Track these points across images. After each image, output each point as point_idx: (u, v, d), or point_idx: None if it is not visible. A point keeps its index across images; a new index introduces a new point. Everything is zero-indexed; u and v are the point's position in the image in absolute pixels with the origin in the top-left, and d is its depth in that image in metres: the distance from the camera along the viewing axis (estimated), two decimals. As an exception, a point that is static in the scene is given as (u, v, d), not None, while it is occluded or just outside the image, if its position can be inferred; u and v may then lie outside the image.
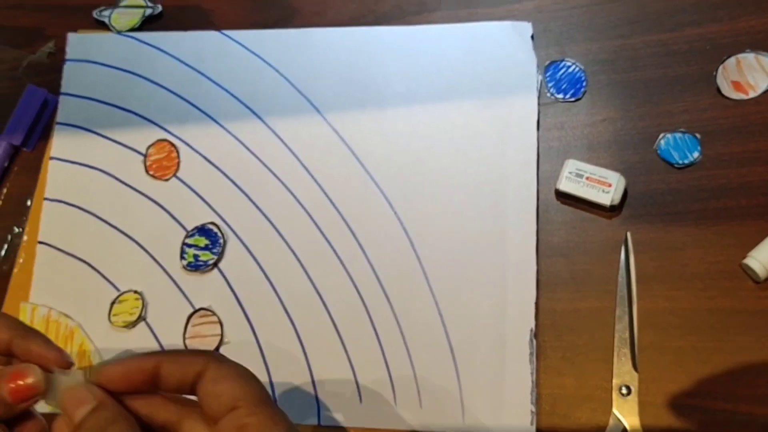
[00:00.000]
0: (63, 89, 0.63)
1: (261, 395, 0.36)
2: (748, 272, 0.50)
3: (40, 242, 0.59)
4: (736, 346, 0.50)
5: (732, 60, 0.55)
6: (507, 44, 0.59)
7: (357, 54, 0.61)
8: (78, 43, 0.64)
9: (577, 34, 0.58)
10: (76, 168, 0.61)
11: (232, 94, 0.61)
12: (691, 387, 0.49)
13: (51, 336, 0.55)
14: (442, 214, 0.56)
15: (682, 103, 0.55)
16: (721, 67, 0.55)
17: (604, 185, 0.53)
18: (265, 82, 0.61)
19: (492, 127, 0.57)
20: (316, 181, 0.58)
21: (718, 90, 0.55)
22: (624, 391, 0.50)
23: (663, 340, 0.50)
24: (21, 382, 0.36)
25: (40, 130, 0.63)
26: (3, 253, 0.59)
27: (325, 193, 0.58)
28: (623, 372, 0.50)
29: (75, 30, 0.65)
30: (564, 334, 0.52)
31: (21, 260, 0.59)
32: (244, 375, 0.37)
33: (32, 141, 0.62)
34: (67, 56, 0.64)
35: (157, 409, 0.37)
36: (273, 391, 0.53)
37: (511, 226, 0.54)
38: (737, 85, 0.55)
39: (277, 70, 0.62)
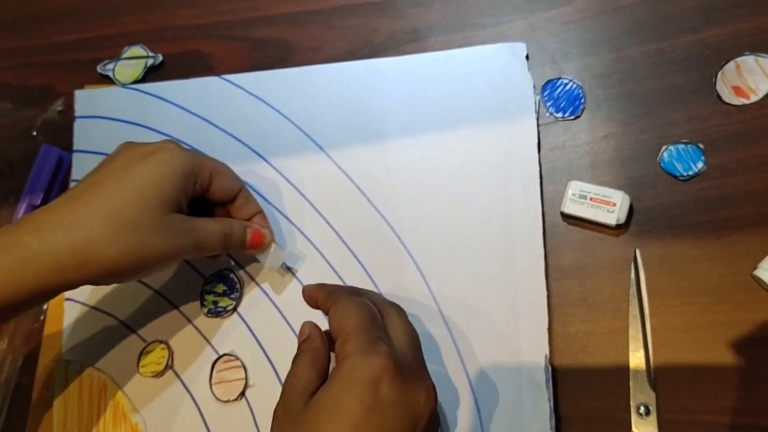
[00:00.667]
0: (75, 146, 0.65)
1: (354, 325, 0.44)
2: (760, 283, 0.50)
3: (67, 299, 0.61)
4: (753, 359, 0.49)
5: (731, 64, 0.54)
6: (503, 67, 0.59)
7: (356, 88, 0.61)
8: (86, 99, 0.66)
9: (572, 50, 0.58)
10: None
11: (237, 139, 0.62)
12: (710, 403, 0.49)
13: (85, 391, 0.59)
14: (450, 243, 0.56)
15: (683, 113, 0.55)
16: (720, 73, 0.54)
17: (608, 205, 0.53)
18: (268, 124, 0.62)
19: (494, 151, 0.57)
20: (324, 218, 0.59)
21: (719, 96, 0.54)
22: (642, 411, 0.50)
23: (679, 357, 0.50)
24: (260, 237, 0.54)
25: (57, 188, 0.64)
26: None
27: (334, 230, 0.59)
28: (641, 392, 0.50)
29: (82, 85, 0.66)
30: (579, 356, 0.52)
31: (50, 317, 0.61)
32: (349, 309, 0.45)
33: (51, 199, 0.64)
34: (77, 113, 0.66)
35: None
36: None
37: (519, 250, 0.55)
38: (738, 90, 0.54)
39: (278, 111, 0.62)
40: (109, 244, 0.46)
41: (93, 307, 0.61)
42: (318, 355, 0.47)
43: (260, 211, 0.56)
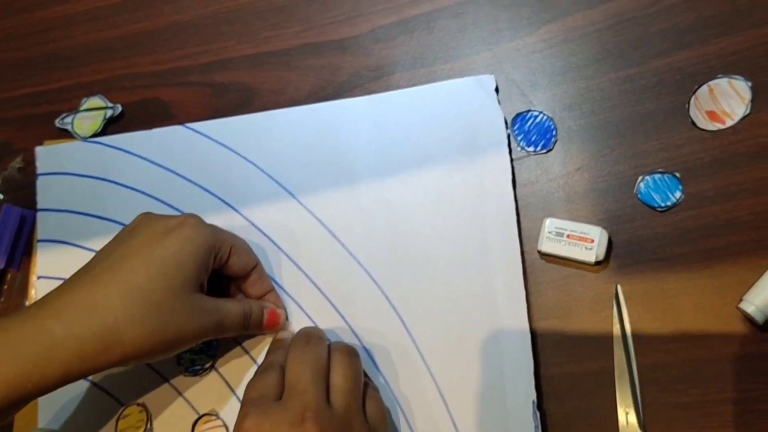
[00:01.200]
0: (40, 205, 0.63)
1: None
2: (746, 316, 0.49)
3: (40, 365, 0.59)
4: (743, 395, 0.48)
5: (704, 89, 0.53)
6: (472, 101, 0.57)
7: (323, 130, 0.60)
8: (47, 156, 0.64)
9: (540, 80, 0.56)
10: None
11: (204, 188, 0.61)
12: (702, 442, 0.48)
13: (63, 460, 0.57)
14: (429, 286, 0.55)
15: (657, 141, 0.53)
16: (693, 98, 0.53)
17: (586, 242, 0.51)
18: (235, 172, 0.60)
19: (467, 188, 0.56)
20: (297, 265, 0.57)
21: (693, 123, 0.53)
22: (634, 452, 0.49)
23: (667, 395, 0.49)
24: (276, 317, 0.54)
25: (21, 248, 0.63)
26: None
27: (309, 278, 0.57)
28: (631, 432, 0.49)
29: (41, 141, 0.64)
30: (566, 399, 0.51)
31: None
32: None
33: (16, 261, 0.62)
34: (39, 171, 0.63)
35: None
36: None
37: (500, 292, 0.53)
38: (713, 115, 0.52)
39: (245, 158, 0.60)
40: (134, 327, 0.46)
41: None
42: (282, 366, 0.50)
43: (272, 289, 0.56)
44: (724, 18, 0.54)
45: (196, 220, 0.50)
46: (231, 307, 0.51)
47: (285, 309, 0.56)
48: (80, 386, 0.58)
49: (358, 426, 0.45)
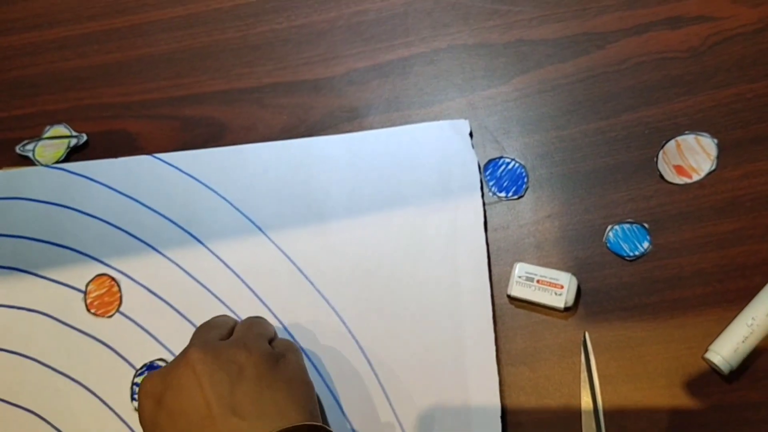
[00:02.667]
0: (-7, 231, 0.61)
1: None
2: (712, 366, 0.49)
3: (-14, 399, 0.57)
4: (708, 445, 0.49)
5: (672, 143, 0.54)
6: (446, 144, 0.58)
7: (295, 167, 0.59)
8: (4, 180, 0.62)
9: (513, 129, 0.57)
10: (14, 312, 0.59)
11: (170, 220, 0.59)
12: (667, 492, 0.48)
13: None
14: (398, 330, 0.54)
15: (626, 192, 0.54)
16: (661, 153, 0.54)
17: (556, 287, 0.52)
18: (202, 204, 0.59)
19: (439, 231, 0.56)
20: (264, 303, 0.56)
21: (661, 176, 0.54)
22: (600, 503, 0.48)
23: (634, 445, 0.49)
24: None
25: (-27, 275, 0.60)
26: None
27: (275, 316, 0.56)
28: (597, 482, 0.49)
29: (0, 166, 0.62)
30: (533, 447, 0.50)
31: (-36, 421, 0.56)
32: None
33: (-33, 289, 0.60)
34: (-6, 195, 0.62)
35: None
36: None
37: (469, 336, 0.53)
38: (680, 170, 0.54)
39: (214, 191, 0.60)
40: None
41: (10, 403, 0.56)
42: None
43: None
44: (691, 78, 0.56)
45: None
46: None
47: None
48: (22, 418, 0.56)
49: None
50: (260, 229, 0.58)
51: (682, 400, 0.49)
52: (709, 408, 0.49)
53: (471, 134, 0.57)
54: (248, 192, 0.59)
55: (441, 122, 0.58)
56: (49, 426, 0.55)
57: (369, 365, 0.54)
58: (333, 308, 0.56)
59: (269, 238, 0.58)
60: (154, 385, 0.46)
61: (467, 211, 0.56)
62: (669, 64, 0.56)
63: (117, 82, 0.63)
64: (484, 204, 0.55)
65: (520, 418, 0.51)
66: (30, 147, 0.62)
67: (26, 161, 0.62)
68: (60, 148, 0.62)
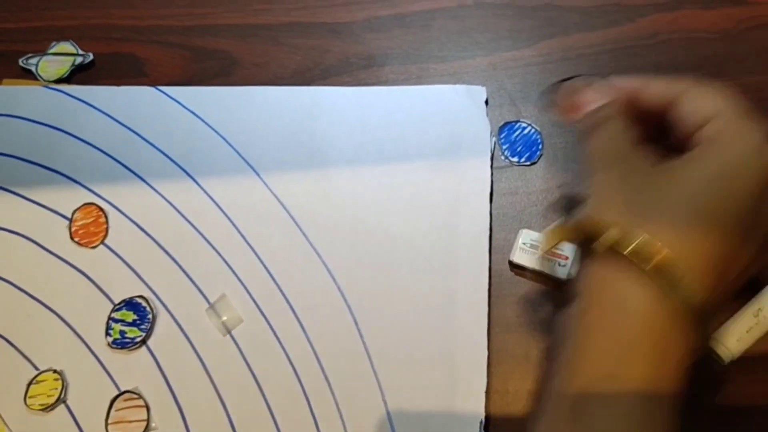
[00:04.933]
0: (-17, 146, 0.59)
1: (741, 111, 0.36)
2: (713, 354, 0.47)
3: (-47, 314, 0.54)
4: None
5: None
6: (460, 109, 0.56)
7: (302, 115, 0.57)
8: (2, 96, 0.60)
9: (533, 93, 0.55)
10: (-6, 232, 0.57)
11: (166, 155, 0.57)
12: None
13: (-41, 420, 0.51)
14: (388, 289, 0.52)
15: (642, 169, 0.52)
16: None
17: (560, 258, 0.49)
18: (201, 143, 0.57)
19: (443, 195, 0.54)
20: (253, 249, 0.54)
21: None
22: (584, 482, 0.46)
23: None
24: None
25: (-43, 190, 0.58)
26: None
27: (263, 264, 0.54)
28: (582, 461, 0.46)
29: (0, 78, 0.60)
30: (518, 417, 0.48)
31: (-70, 335, 0.54)
32: (726, 95, 0.37)
33: (-50, 202, 0.57)
34: (-11, 111, 0.59)
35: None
36: (202, 484, 0.49)
37: (462, 301, 0.51)
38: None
39: (215, 130, 0.57)
40: None
41: (-20, 326, 0.54)
42: (629, 123, 0.39)
43: None
44: (719, 60, 0.54)
45: None
46: None
47: None
48: (-10, 342, 0.53)
49: None
50: (258, 174, 0.56)
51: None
52: (706, 395, 0.47)
53: (487, 102, 0.55)
54: (250, 135, 0.57)
55: (457, 86, 0.56)
56: (15, 351, 0.53)
57: (354, 323, 0.52)
58: (323, 261, 0.53)
59: (266, 185, 0.56)
60: None
61: (474, 178, 0.54)
62: (698, 44, 0.54)
63: (129, 5, 0.61)
64: (493, 168, 0.53)
65: (508, 386, 0.49)
66: (34, 61, 0.60)
67: (29, 75, 0.60)
68: (64, 65, 0.60)
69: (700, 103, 0.37)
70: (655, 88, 0.39)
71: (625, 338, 0.33)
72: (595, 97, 0.41)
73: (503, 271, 0.51)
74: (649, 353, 0.33)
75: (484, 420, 0.48)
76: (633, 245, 0.33)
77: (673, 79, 0.39)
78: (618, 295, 0.33)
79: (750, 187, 0.34)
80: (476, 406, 0.48)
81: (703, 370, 0.47)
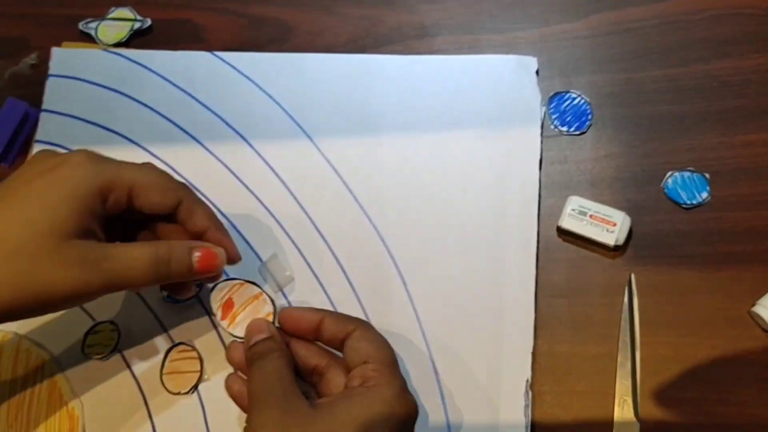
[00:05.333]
0: (45, 106, 0.60)
1: (389, 359, 0.43)
2: (757, 320, 0.48)
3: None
4: (741, 398, 0.48)
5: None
6: (511, 79, 0.57)
7: (355, 81, 0.59)
8: (62, 58, 0.61)
9: (583, 66, 0.56)
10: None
11: (221, 118, 0.59)
12: (695, 440, 0.47)
13: (20, 366, 0.53)
14: (437, 251, 0.53)
15: (688, 141, 0.54)
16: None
17: (608, 224, 0.51)
18: (256, 107, 0.59)
19: (493, 162, 0.55)
20: (305, 211, 0.56)
21: (727, 130, 0.53)
22: (625, 441, 0.47)
23: (667, 389, 0.48)
24: (211, 258, 0.45)
25: (19, 145, 0.59)
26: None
27: (314, 225, 0.55)
28: (625, 420, 0.48)
29: (60, 41, 0.62)
30: (562, 378, 0.49)
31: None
32: (381, 342, 0.44)
33: (11, 156, 0.59)
34: (51, 71, 0.61)
35: (312, 354, 0.46)
36: None
37: (510, 268, 0.52)
38: (745, 126, 0.53)
39: (270, 95, 0.59)
40: None
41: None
42: (289, 356, 0.45)
43: (211, 226, 0.47)
44: (766, 36, 0.55)
45: (81, 157, 0.43)
46: (132, 253, 0.43)
47: (230, 244, 0.48)
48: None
49: None
50: (311, 139, 0.58)
51: (722, 351, 0.49)
52: (749, 363, 0.48)
53: (537, 72, 0.57)
54: (304, 101, 0.59)
55: (508, 56, 0.58)
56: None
57: (404, 286, 0.53)
58: (374, 225, 0.55)
59: (319, 150, 0.57)
60: None
61: (524, 146, 0.55)
62: (745, 20, 0.56)
63: (188, -28, 0.63)
64: (542, 136, 0.55)
65: (554, 348, 0.50)
66: (93, 25, 0.62)
67: (88, 39, 0.62)
68: (123, 29, 0.62)
69: (363, 344, 0.44)
70: (330, 323, 0.45)
71: None
72: (259, 328, 0.45)
73: (551, 237, 0.53)
74: None
75: (530, 378, 0.49)
76: None
77: (344, 317, 0.45)
78: None
79: (390, 430, 0.40)
80: (523, 367, 0.50)
81: (749, 338, 0.49)
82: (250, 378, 0.43)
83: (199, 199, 0.48)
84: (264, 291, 0.48)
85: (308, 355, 0.46)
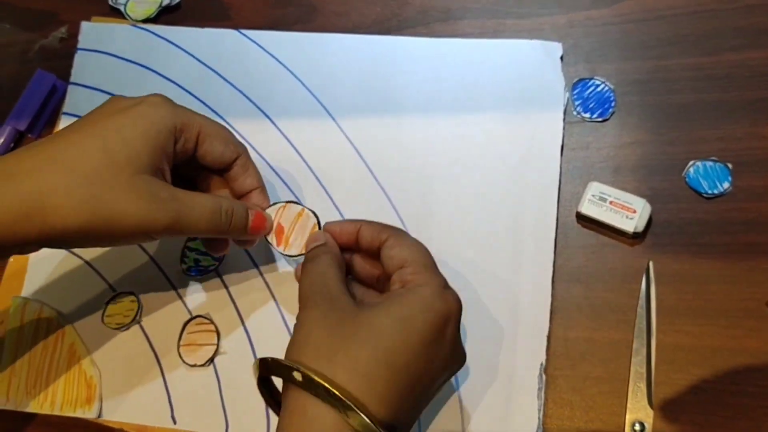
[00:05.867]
0: (73, 79, 0.61)
1: (425, 261, 0.44)
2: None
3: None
4: (757, 390, 0.47)
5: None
6: (535, 64, 0.57)
7: (379, 62, 0.59)
8: (91, 32, 0.62)
9: (609, 53, 0.56)
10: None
11: (245, 95, 0.59)
12: (709, 430, 0.47)
13: (41, 334, 0.54)
14: (455, 233, 0.54)
15: (715, 130, 0.53)
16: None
17: (628, 211, 0.50)
18: (280, 85, 0.59)
19: (514, 146, 0.55)
20: (325, 189, 0.56)
21: (756, 121, 0.52)
22: (638, 427, 0.47)
23: (681, 378, 0.48)
24: (263, 221, 0.48)
25: (46, 116, 0.61)
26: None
27: (333, 203, 0.55)
28: (638, 408, 0.47)
29: (89, 16, 0.63)
30: (577, 363, 0.49)
31: (16, 252, 0.57)
32: (416, 245, 0.45)
33: (38, 127, 0.60)
34: (80, 45, 0.62)
35: (376, 264, 0.47)
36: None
37: (528, 252, 0.52)
38: (776, 116, 0.52)
39: (293, 74, 0.59)
40: (58, 196, 0.41)
41: (63, 247, 0.57)
42: (339, 259, 0.46)
43: (259, 187, 0.50)
44: (800, 28, 0.54)
45: (158, 99, 0.46)
46: (198, 200, 0.45)
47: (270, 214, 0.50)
48: (73, 263, 0.56)
49: None
50: (333, 118, 0.58)
51: (738, 342, 0.48)
52: (766, 354, 0.48)
53: (562, 58, 0.56)
54: (327, 80, 0.59)
55: (533, 41, 0.57)
56: (95, 274, 0.55)
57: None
58: (393, 206, 0.55)
59: (341, 129, 0.58)
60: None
61: (546, 132, 0.55)
62: (782, 11, 0.55)
63: (217, -50, 0.63)
64: (565, 122, 0.54)
65: (569, 334, 0.50)
66: (123, 1, 0.63)
67: (117, 14, 0.63)
68: (152, 6, 0.62)
69: (397, 250, 0.44)
70: (366, 232, 0.46)
71: None
72: (315, 238, 0.47)
73: (570, 223, 0.52)
74: None
75: (544, 362, 0.49)
76: (316, 384, 0.38)
77: (378, 226, 0.47)
78: (307, 418, 0.39)
79: (429, 325, 0.40)
80: (538, 351, 0.50)
81: (766, 330, 0.48)
82: (300, 280, 0.45)
83: (252, 161, 0.50)
84: (305, 207, 0.50)
85: (370, 265, 0.48)
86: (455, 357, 0.43)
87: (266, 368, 0.41)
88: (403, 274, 0.43)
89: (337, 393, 0.38)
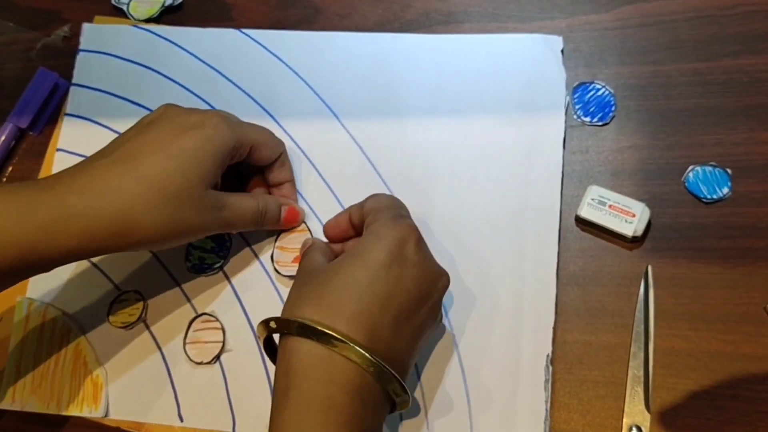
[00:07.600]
0: (75, 80, 0.61)
1: (383, 204, 0.49)
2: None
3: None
4: (754, 395, 0.48)
5: (770, 96, 0.53)
6: (536, 58, 0.57)
7: (381, 60, 0.59)
8: (93, 33, 0.62)
9: (609, 57, 0.56)
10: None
11: (248, 95, 0.60)
12: (705, 434, 0.48)
13: (46, 334, 0.55)
14: (458, 232, 0.54)
15: (714, 136, 0.53)
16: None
17: (627, 215, 0.51)
18: (283, 85, 0.59)
19: (516, 145, 0.55)
20: (329, 187, 0.56)
21: (755, 126, 0.53)
22: (635, 431, 0.48)
23: (679, 382, 0.49)
24: (295, 214, 0.55)
25: (48, 115, 0.61)
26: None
27: (339, 202, 0.56)
28: (635, 411, 0.48)
29: (92, 15, 0.63)
30: (574, 367, 0.50)
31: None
32: (380, 196, 0.51)
33: (39, 125, 0.61)
34: (81, 47, 0.62)
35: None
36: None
37: (531, 249, 0.53)
38: (774, 122, 0.53)
39: (296, 73, 0.60)
40: (148, 216, 0.46)
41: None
42: (323, 247, 0.52)
43: (291, 180, 0.56)
44: (799, 33, 0.55)
45: (218, 119, 0.50)
46: (242, 203, 0.51)
47: (297, 203, 0.56)
48: (78, 263, 0.56)
49: None
50: (336, 116, 0.58)
51: (735, 347, 0.49)
52: (764, 359, 0.48)
53: (562, 52, 0.57)
54: (330, 79, 0.59)
55: (534, 35, 0.58)
56: (100, 273, 0.56)
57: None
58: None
59: (344, 127, 0.58)
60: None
61: (548, 128, 0.55)
62: (780, 16, 0.55)
63: (219, -49, 0.63)
64: (566, 125, 0.55)
65: (567, 336, 0.51)
66: (125, 0, 0.63)
67: (120, 13, 0.63)
68: (154, 5, 0.62)
69: (368, 204, 0.50)
70: (355, 214, 0.51)
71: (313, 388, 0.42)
72: (303, 244, 0.53)
73: (568, 226, 0.53)
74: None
75: (551, 354, 0.50)
76: (312, 329, 0.42)
77: (362, 201, 0.51)
78: (300, 353, 0.43)
79: (383, 250, 0.45)
80: (543, 343, 0.50)
81: (764, 336, 0.49)
82: (299, 266, 0.51)
83: (288, 156, 0.56)
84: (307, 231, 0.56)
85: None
86: (427, 275, 0.46)
87: (267, 328, 0.45)
88: (366, 223, 0.48)
89: (326, 331, 0.42)
